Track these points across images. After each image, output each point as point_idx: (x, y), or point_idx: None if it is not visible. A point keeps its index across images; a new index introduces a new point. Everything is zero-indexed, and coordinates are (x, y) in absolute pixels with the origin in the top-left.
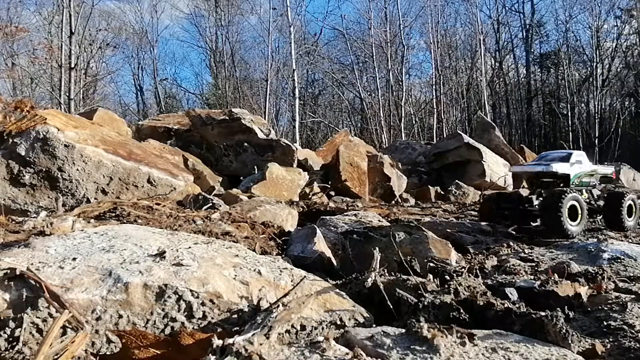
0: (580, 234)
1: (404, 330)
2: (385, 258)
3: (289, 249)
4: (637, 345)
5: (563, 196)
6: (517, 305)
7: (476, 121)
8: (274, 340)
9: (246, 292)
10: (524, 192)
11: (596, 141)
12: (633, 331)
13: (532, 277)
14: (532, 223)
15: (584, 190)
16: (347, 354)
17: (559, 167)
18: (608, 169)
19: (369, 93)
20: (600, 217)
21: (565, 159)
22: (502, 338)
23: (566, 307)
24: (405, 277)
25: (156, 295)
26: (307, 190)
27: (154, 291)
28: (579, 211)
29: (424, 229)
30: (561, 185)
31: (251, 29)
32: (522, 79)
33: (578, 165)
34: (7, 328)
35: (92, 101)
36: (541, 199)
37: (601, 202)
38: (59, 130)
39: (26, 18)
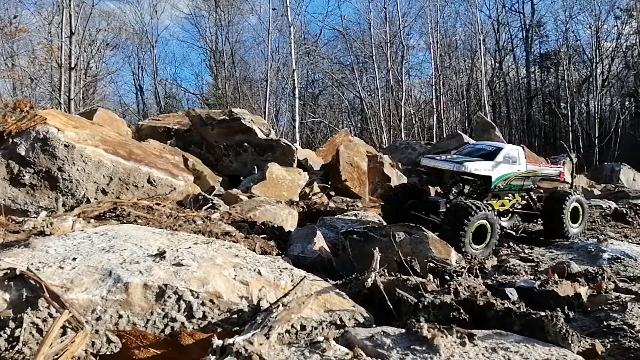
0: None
1: (404, 330)
2: (385, 258)
3: (289, 249)
4: (637, 345)
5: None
6: (517, 305)
7: (476, 121)
8: (274, 340)
9: (246, 292)
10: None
11: (596, 141)
12: (633, 331)
13: (532, 277)
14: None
15: (513, 195)
16: (347, 354)
17: (474, 167)
18: (553, 170)
19: (368, 93)
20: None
21: (490, 155)
22: (502, 338)
23: (566, 307)
24: (405, 277)
25: (156, 295)
26: (307, 190)
27: (154, 291)
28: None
29: (423, 229)
30: (482, 186)
31: (251, 29)
32: (522, 79)
33: (506, 165)
34: (7, 328)
35: (92, 101)
36: (449, 206)
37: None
38: (59, 130)
39: (26, 18)
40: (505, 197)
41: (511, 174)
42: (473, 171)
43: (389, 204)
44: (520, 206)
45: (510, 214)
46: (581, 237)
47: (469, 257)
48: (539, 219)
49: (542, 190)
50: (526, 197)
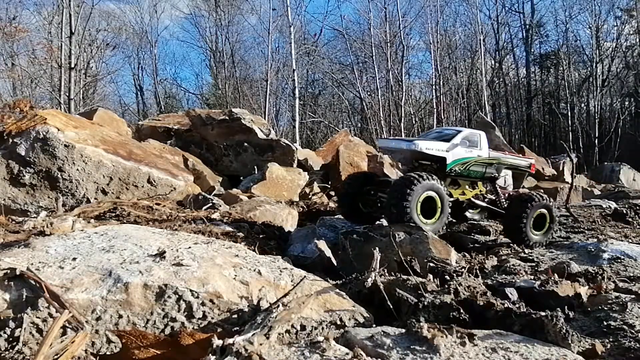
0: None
1: (404, 330)
2: (385, 258)
3: (289, 249)
4: (637, 345)
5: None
6: (517, 305)
7: (476, 121)
8: (274, 340)
9: (246, 292)
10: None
11: (596, 141)
12: (633, 331)
13: (532, 277)
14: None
15: (475, 185)
16: (347, 354)
17: (426, 146)
18: (522, 160)
19: (368, 93)
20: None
21: (447, 137)
22: (502, 338)
23: (566, 307)
24: (405, 277)
25: (156, 295)
26: (307, 190)
27: (154, 291)
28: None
29: (423, 229)
30: (438, 171)
31: (251, 29)
32: (522, 79)
33: (464, 148)
34: (7, 328)
35: (92, 101)
36: (389, 189)
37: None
38: (59, 130)
39: (26, 18)
40: (467, 186)
41: (470, 158)
42: (425, 150)
43: (344, 193)
44: (486, 200)
45: (479, 208)
46: (543, 245)
47: (472, 258)
48: (503, 221)
49: (518, 191)
50: (491, 190)
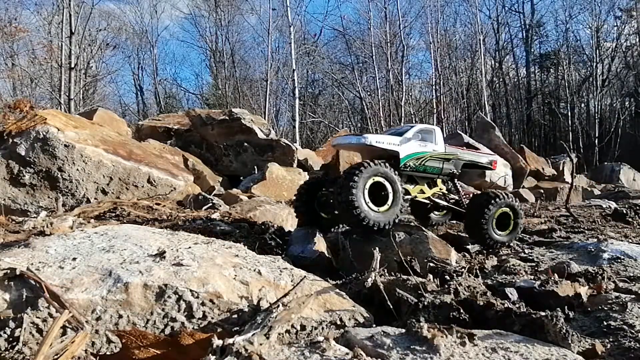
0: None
1: (404, 330)
2: (385, 258)
3: (289, 249)
4: (637, 345)
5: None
6: (517, 305)
7: (476, 121)
8: (274, 340)
9: (246, 292)
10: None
11: (596, 141)
12: (633, 331)
13: (532, 277)
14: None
15: (434, 182)
16: (347, 354)
17: (375, 139)
18: (482, 157)
19: (368, 93)
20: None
21: (401, 133)
22: (502, 338)
23: (566, 307)
24: (405, 277)
25: (156, 295)
26: None
27: (154, 291)
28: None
29: (423, 229)
30: (393, 166)
31: (251, 29)
32: (522, 79)
33: (416, 142)
34: (7, 328)
35: (92, 101)
36: (336, 187)
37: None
38: (59, 130)
39: (26, 18)
40: (425, 184)
41: (425, 153)
42: (375, 144)
43: (298, 202)
44: (449, 199)
45: (444, 210)
46: (508, 245)
47: (472, 258)
48: (464, 221)
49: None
50: (453, 189)
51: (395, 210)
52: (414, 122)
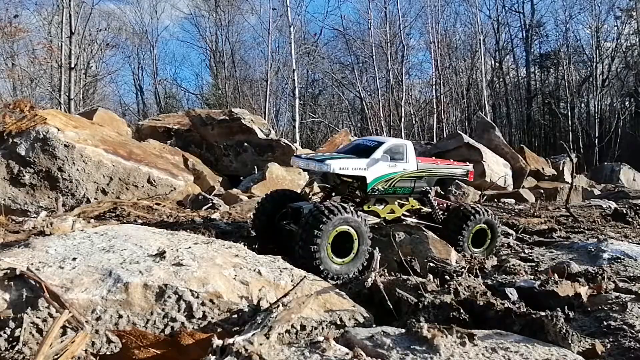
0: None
1: (404, 330)
2: (385, 258)
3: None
4: (637, 345)
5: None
6: (517, 305)
7: (476, 121)
8: (274, 340)
9: (246, 292)
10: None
11: (596, 141)
12: (633, 331)
13: (532, 277)
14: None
15: (406, 200)
16: (347, 354)
17: (339, 165)
18: (457, 169)
19: (369, 93)
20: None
21: (368, 152)
22: (502, 338)
23: (566, 307)
24: (405, 277)
25: (156, 295)
26: (307, 190)
27: (154, 291)
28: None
29: (423, 229)
30: (360, 189)
31: (251, 29)
32: (522, 79)
33: (386, 163)
34: (7, 328)
35: (92, 101)
36: (306, 212)
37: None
38: (59, 130)
39: (26, 18)
40: (396, 203)
41: (395, 174)
42: (338, 171)
43: (258, 214)
44: (422, 212)
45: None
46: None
47: (472, 258)
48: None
49: (452, 199)
50: (426, 201)
51: (359, 262)
52: (414, 122)
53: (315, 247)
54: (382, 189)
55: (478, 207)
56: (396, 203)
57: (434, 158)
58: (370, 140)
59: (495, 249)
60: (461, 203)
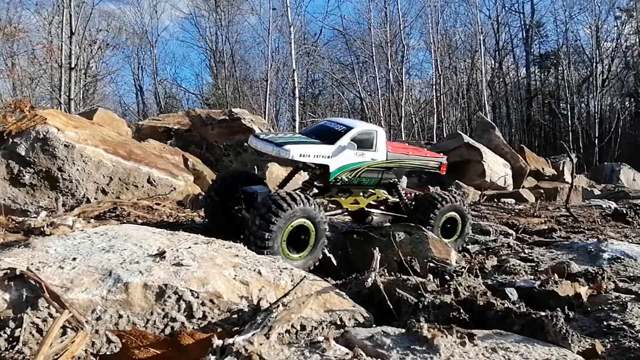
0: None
1: (404, 330)
2: (385, 258)
3: None
4: (637, 345)
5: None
6: (517, 305)
7: (476, 121)
8: (274, 340)
9: (246, 292)
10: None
11: (596, 141)
12: (633, 331)
13: (532, 277)
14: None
15: (371, 191)
16: (347, 354)
17: (299, 152)
18: (430, 160)
19: (369, 93)
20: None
21: (334, 137)
22: (502, 338)
23: (566, 307)
24: (405, 277)
25: (156, 295)
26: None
27: (154, 291)
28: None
29: (423, 229)
30: (322, 178)
31: (251, 29)
32: (522, 79)
33: (353, 151)
34: (7, 328)
35: (92, 101)
36: (261, 199)
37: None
38: (59, 130)
39: (26, 18)
40: (360, 194)
41: (361, 163)
42: (298, 158)
43: (208, 200)
44: (389, 202)
45: (371, 217)
46: (457, 250)
47: (472, 258)
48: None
49: (431, 189)
50: (394, 192)
51: (315, 257)
52: (414, 122)
53: (269, 242)
54: (346, 179)
55: (446, 194)
56: (361, 194)
57: (406, 145)
58: (339, 124)
59: (467, 239)
60: (428, 192)
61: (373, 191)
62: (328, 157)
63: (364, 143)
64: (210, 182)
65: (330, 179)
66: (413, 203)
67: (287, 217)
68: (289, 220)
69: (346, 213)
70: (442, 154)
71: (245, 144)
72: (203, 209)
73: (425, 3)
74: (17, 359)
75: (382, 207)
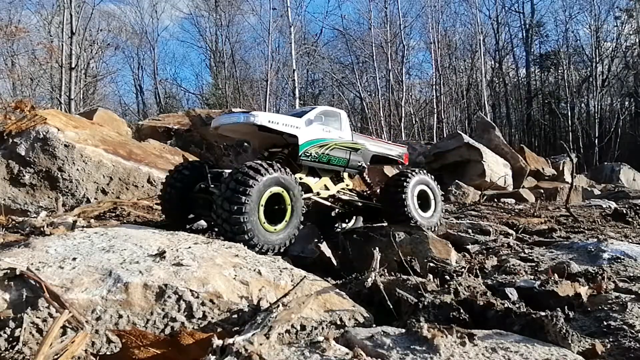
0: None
1: (404, 330)
2: (385, 258)
3: (289, 249)
4: (637, 345)
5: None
6: (517, 305)
7: (476, 121)
8: (274, 340)
9: (246, 292)
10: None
11: (596, 141)
12: (633, 331)
13: (532, 277)
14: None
15: (339, 176)
16: (347, 354)
17: (268, 118)
18: (392, 150)
19: (369, 93)
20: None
21: (301, 113)
22: (502, 338)
23: (566, 307)
24: (405, 277)
25: (156, 295)
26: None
27: (154, 291)
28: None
29: (423, 229)
30: (291, 154)
31: (251, 29)
32: (522, 79)
33: (320, 126)
34: (7, 328)
35: (92, 101)
36: (219, 189)
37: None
38: (59, 130)
39: (26, 18)
40: (329, 178)
41: (329, 140)
42: (266, 124)
43: (166, 193)
44: (358, 194)
45: (354, 216)
46: (438, 226)
47: (472, 258)
48: (383, 215)
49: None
50: (361, 180)
51: (293, 229)
52: (414, 122)
53: (243, 215)
54: (316, 155)
55: (409, 170)
56: (329, 179)
57: (366, 135)
58: (305, 107)
59: (443, 213)
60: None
61: (341, 179)
62: (297, 127)
63: (330, 122)
64: (168, 172)
65: (300, 152)
66: (381, 188)
67: (261, 184)
68: (264, 189)
69: (335, 212)
70: (403, 145)
71: (246, 144)
72: (160, 203)
73: (425, 3)
74: (17, 359)
75: (355, 196)
